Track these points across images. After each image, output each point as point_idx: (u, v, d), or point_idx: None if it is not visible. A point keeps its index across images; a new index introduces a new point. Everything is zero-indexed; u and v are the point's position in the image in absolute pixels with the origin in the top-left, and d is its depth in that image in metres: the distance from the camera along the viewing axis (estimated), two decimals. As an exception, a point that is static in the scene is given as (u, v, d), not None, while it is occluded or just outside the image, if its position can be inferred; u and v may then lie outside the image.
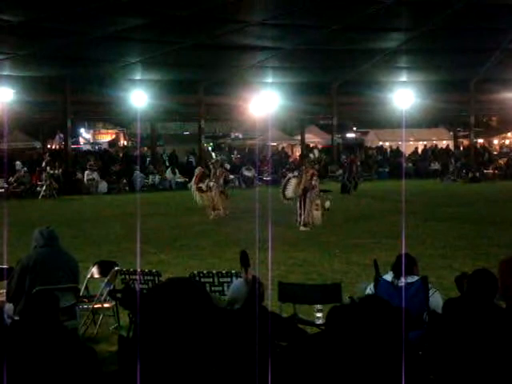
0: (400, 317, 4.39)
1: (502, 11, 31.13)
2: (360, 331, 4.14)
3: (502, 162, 47.01)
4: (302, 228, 19.60)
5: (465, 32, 33.33)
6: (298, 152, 53.54)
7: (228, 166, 25.44)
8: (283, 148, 54.73)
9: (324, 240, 17.42)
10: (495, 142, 59.55)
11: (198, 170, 24.46)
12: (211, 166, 24.27)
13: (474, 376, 4.98)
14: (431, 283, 7.73)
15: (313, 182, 20.09)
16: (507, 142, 59.08)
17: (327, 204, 20.42)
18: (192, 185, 23.74)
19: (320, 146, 55.29)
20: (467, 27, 32.84)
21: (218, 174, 23.34)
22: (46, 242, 8.33)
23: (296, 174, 21.62)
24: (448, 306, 5.88)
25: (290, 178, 21.22)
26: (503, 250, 8.87)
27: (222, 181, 23.26)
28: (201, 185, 23.20)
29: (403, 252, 7.65)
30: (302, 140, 52.35)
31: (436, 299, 7.32)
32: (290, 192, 20.49)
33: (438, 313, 6.50)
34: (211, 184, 22.97)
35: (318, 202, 20.12)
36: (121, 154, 46.96)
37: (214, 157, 46.59)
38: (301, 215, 19.90)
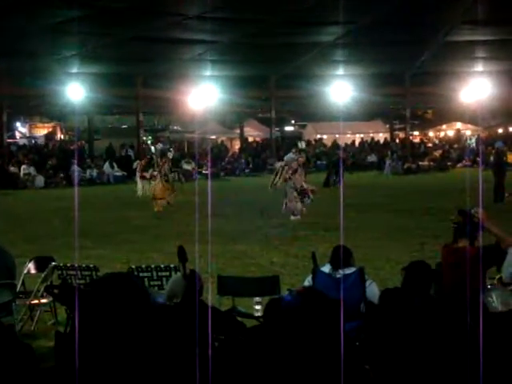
0: (337, 308, 4.45)
1: (436, 5, 31.58)
2: (297, 323, 4.18)
3: (437, 154, 47.78)
4: (292, 218, 20.11)
5: (400, 26, 33.68)
6: (237, 145, 53.58)
7: (171, 155, 25.40)
8: (222, 141, 54.71)
9: (262, 232, 17.48)
10: (431, 134, 60.45)
11: (138, 162, 24.60)
12: (153, 156, 24.29)
13: (408, 366, 5.07)
14: (368, 274, 7.83)
15: (296, 175, 20.67)
16: (442, 134, 60.03)
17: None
18: (136, 174, 23.84)
19: (258, 139, 55.54)
20: (403, 21, 33.21)
21: (160, 163, 23.37)
22: None
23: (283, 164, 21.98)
24: (384, 296, 5.97)
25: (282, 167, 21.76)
26: (438, 241, 9.06)
27: (166, 169, 23.35)
28: (144, 174, 23.27)
29: (341, 244, 7.75)
30: (241, 133, 52.45)
31: (372, 290, 7.42)
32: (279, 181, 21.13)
33: (374, 304, 6.58)
34: (155, 173, 23.01)
35: (295, 194, 20.61)
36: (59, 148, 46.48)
37: (153, 148, 46.42)
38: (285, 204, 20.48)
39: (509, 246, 7.67)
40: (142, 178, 23.34)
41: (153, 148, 49.30)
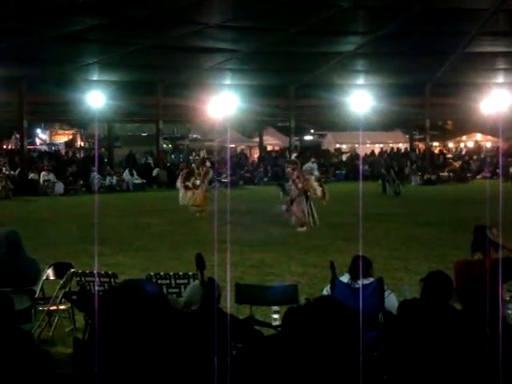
0: (355, 318, 4.43)
1: (456, 16, 31.51)
2: (315, 332, 4.17)
3: (456, 164, 47.59)
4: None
5: (421, 36, 33.67)
6: (256, 154, 53.65)
7: (209, 164, 25.45)
8: (242, 150, 54.78)
9: (281, 241, 17.46)
10: (450, 145, 60.24)
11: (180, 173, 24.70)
12: (194, 166, 24.35)
13: (427, 377, 5.05)
14: (386, 284, 7.80)
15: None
16: (462, 145, 59.80)
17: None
18: (179, 183, 23.90)
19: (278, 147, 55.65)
20: (423, 31, 33.19)
21: (202, 172, 23.48)
22: (8, 247, 8.15)
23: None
24: (403, 307, 5.94)
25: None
26: (457, 252, 9.04)
27: (208, 178, 23.55)
28: (187, 183, 23.33)
29: (360, 254, 7.72)
30: (260, 142, 52.48)
31: (391, 300, 7.39)
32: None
33: (393, 314, 6.56)
34: (197, 182, 23.11)
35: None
36: (79, 155, 46.79)
37: (176, 156, 46.58)
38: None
39: None
40: (185, 187, 23.37)
41: (172, 156, 49.60)
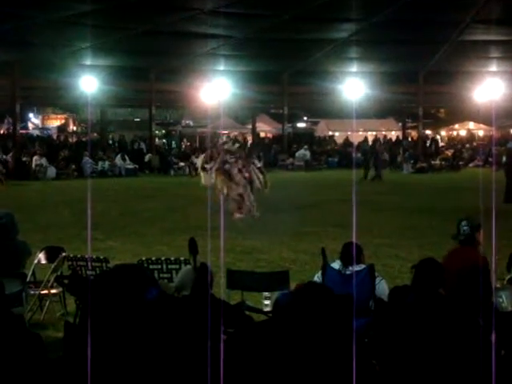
0: (345, 304, 4.45)
1: (450, 4, 31.46)
2: (304, 318, 4.18)
3: (448, 153, 47.64)
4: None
5: (415, 24, 33.60)
6: (249, 140, 53.59)
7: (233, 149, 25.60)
8: (235, 136, 54.69)
9: (273, 228, 17.43)
10: (443, 133, 60.28)
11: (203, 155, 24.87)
12: (214, 151, 24.45)
13: (416, 363, 5.07)
14: (377, 271, 7.83)
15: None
16: (454, 133, 59.85)
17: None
18: (199, 164, 23.97)
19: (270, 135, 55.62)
20: (417, 19, 33.12)
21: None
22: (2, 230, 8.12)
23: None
24: (394, 294, 5.97)
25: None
26: (449, 240, 9.04)
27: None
28: (206, 165, 23.36)
29: (353, 241, 7.74)
30: (253, 129, 52.39)
31: (382, 287, 7.43)
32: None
33: (384, 301, 6.59)
34: (216, 166, 23.17)
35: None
36: (71, 140, 46.66)
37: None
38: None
39: None
40: (203, 169, 23.42)
41: (164, 141, 49.40)
